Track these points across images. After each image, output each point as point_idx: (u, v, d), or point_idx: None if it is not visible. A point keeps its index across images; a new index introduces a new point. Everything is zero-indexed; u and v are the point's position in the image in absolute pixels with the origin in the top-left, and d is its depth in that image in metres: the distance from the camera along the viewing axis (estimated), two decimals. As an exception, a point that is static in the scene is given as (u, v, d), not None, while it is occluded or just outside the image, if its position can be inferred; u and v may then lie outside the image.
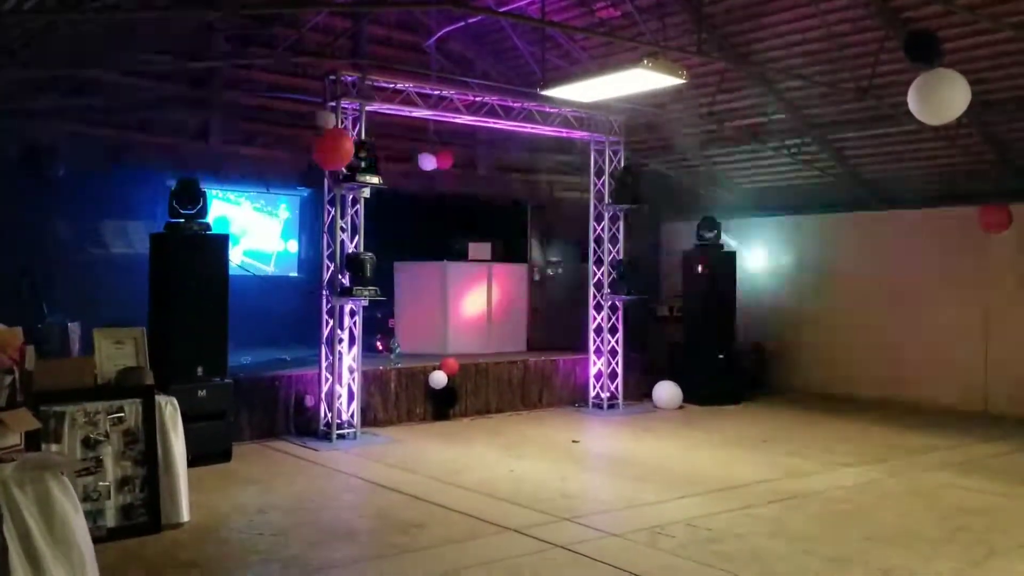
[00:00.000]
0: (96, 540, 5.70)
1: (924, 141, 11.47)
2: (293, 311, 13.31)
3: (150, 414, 6.20)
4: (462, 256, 14.28)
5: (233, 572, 5.38)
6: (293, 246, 14.75)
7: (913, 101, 6.17)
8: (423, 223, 15.14)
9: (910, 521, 6.69)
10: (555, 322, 14.16)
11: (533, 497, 7.26)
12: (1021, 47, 9.41)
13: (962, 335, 12.29)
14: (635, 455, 9.42)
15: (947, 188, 12.32)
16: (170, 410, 6.39)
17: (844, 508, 7.03)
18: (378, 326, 13.75)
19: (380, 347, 12.32)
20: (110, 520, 5.95)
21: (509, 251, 14.62)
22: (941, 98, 6.08)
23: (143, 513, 6.12)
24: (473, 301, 13.85)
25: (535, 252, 14.98)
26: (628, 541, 6.06)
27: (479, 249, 14.46)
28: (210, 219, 13.36)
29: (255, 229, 14.40)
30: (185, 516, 6.41)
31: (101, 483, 5.92)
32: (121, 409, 6.11)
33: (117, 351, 6.58)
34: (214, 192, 13.44)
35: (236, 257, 14.02)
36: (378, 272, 13.91)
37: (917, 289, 12.77)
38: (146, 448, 6.17)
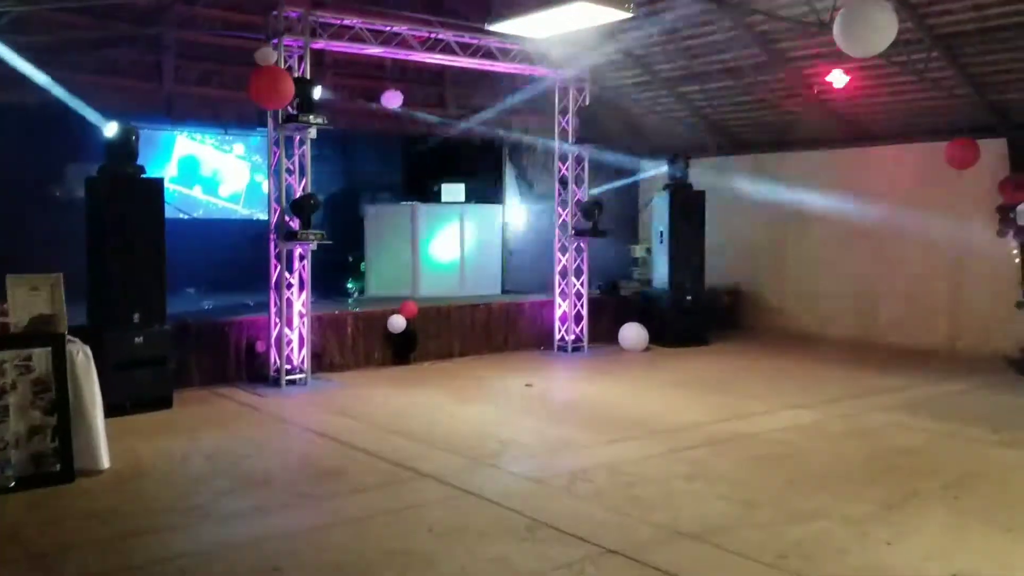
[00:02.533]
0: (3, 490, 5.73)
1: (895, 75, 11.10)
2: (261, 255, 13.20)
3: (60, 362, 6.10)
4: (436, 198, 14.10)
5: (134, 522, 5.32)
6: (265, 187, 14.53)
7: (838, 33, 5.89)
8: (394, 164, 14.96)
9: (841, 463, 6.59)
10: (531, 264, 14.01)
11: (466, 442, 7.18)
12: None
13: (934, 273, 12.10)
14: (585, 398, 9.34)
15: (921, 124, 12.00)
16: (82, 358, 6.28)
17: (777, 451, 6.92)
18: (348, 269, 13.67)
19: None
20: (19, 470, 5.89)
21: (483, 191, 14.41)
22: (866, 29, 5.80)
23: (55, 462, 6.06)
24: (445, 243, 13.69)
25: (510, 192, 14.77)
26: (544, 487, 5.97)
27: (452, 190, 14.27)
28: (174, 160, 13.49)
29: (224, 170, 14.20)
30: (104, 464, 6.35)
31: (7, 433, 5.85)
32: (29, 358, 6.01)
33: (32, 298, 6.45)
34: (178, 132, 13.25)
35: (206, 200, 13.90)
36: (346, 215, 13.86)
37: (891, 227, 12.52)
38: (57, 397, 6.07)
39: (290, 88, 8.81)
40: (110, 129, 8.31)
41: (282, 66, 9.37)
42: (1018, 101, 10.95)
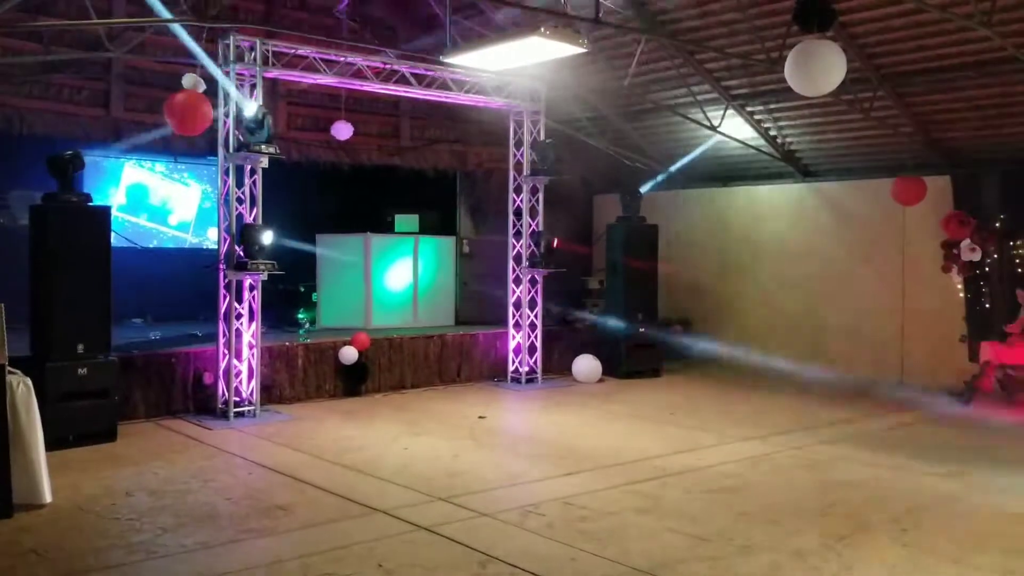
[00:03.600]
0: (-63, 526, 5.51)
1: (842, 113, 11.38)
2: (210, 284, 13.02)
3: (0, 394, 5.93)
4: (390, 228, 14.07)
5: (74, 559, 5.15)
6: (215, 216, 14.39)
7: (789, 72, 6.02)
8: (347, 195, 14.89)
9: (790, 496, 6.63)
10: (485, 295, 13.97)
11: (418, 476, 7.10)
12: (930, 18, 9.30)
13: (880, 306, 12.30)
14: (538, 431, 9.32)
15: (866, 160, 12.29)
16: (23, 390, 6.11)
17: (728, 483, 6.95)
18: (300, 300, 13.54)
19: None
20: (-46, 505, 5.70)
21: (438, 222, 14.40)
22: (815, 69, 5.93)
23: (-7, 497, 5.87)
24: (398, 274, 13.63)
25: (464, 224, 14.78)
26: (497, 521, 5.92)
27: (406, 221, 14.25)
28: (122, 188, 13.30)
29: (173, 198, 14.03)
30: (46, 499, 6.18)
31: (-58, 467, 5.66)
32: (-33, 390, 5.83)
33: (-29, 329, 6.28)
34: (126, 160, 13.07)
35: (154, 228, 13.72)
36: (300, 245, 13.72)
37: (838, 261, 12.76)
38: (-5, 430, 5.90)
39: (207, 114, 8.66)
40: (70, 153, 8.19)
41: (232, 94, 9.28)
42: (961, 139, 11.26)
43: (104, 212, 8.59)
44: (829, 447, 8.31)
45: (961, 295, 11.28)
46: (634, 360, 12.57)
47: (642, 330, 12.71)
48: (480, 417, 9.71)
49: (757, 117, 12.29)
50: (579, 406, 10.52)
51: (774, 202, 13.60)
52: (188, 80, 8.81)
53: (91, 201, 8.44)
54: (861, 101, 10.75)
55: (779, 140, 12.72)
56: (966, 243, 10.89)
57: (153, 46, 11.15)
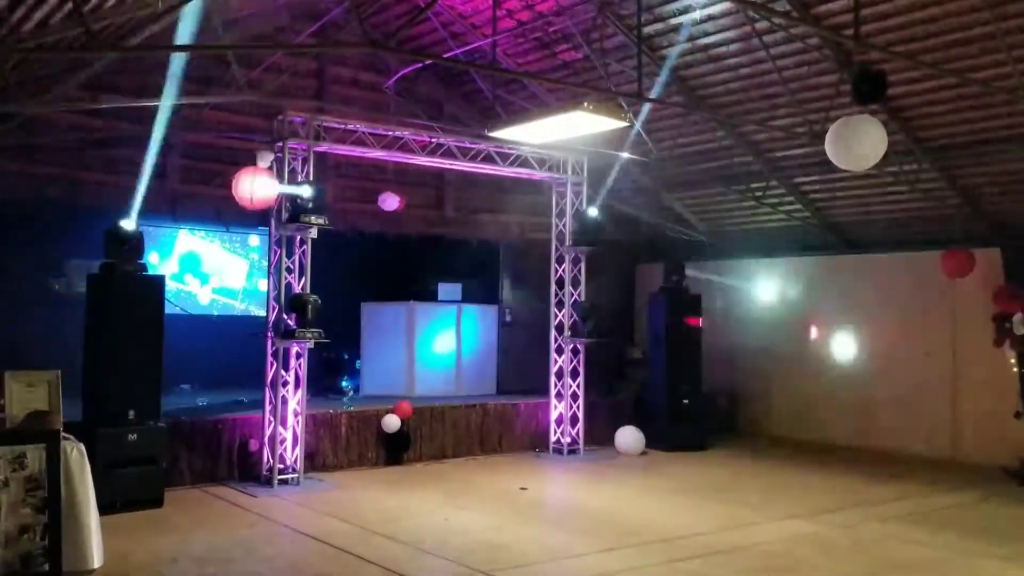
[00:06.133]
0: (-13, 591, 5.59)
1: (887, 185, 11.36)
2: (257, 351, 13.20)
3: (54, 460, 6.04)
4: (433, 297, 14.21)
5: (119, 627, 5.20)
6: (263, 285, 14.65)
7: (830, 148, 6.07)
8: (391, 264, 15.10)
9: (840, 577, 6.48)
10: (526, 364, 13.98)
11: (459, 548, 7.06)
12: (973, 91, 9.34)
13: (931, 381, 12.06)
14: (581, 504, 9.22)
15: (914, 233, 12.20)
16: (76, 455, 6.23)
17: (775, 563, 6.81)
18: (344, 367, 13.64)
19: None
20: (5, 569, 5.77)
21: (480, 292, 14.52)
22: (856, 145, 5.97)
23: (44, 562, 5.94)
24: (441, 343, 13.71)
25: (507, 293, 14.88)
26: (539, 597, 5.86)
27: (449, 290, 14.39)
28: (175, 256, 13.64)
29: (224, 267, 14.34)
30: (94, 564, 6.23)
31: (-4, 531, 5.76)
32: (23, 455, 5.95)
33: (29, 394, 6.42)
34: (180, 227, 13.43)
35: (205, 296, 14.03)
36: (344, 313, 13.94)
37: (887, 334, 12.59)
38: (49, 495, 5.99)
39: (271, 191, 8.97)
40: (127, 224, 8.49)
41: (285, 168, 9.60)
42: (1009, 212, 11.15)
43: (158, 282, 8.84)
44: (880, 526, 8.12)
45: (1015, 370, 11.03)
46: (678, 433, 12.42)
47: (685, 402, 12.59)
48: (522, 488, 9.65)
49: (802, 189, 12.31)
50: (621, 479, 10.41)
51: (820, 274, 13.51)
52: (262, 157, 9.19)
53: (146, 271, 8.69)
54: (907, 173, 10.74)
55: (824, 212, 12.70)
56: (1018, 317, 10.68)
57: (209, 121, 11.57)
